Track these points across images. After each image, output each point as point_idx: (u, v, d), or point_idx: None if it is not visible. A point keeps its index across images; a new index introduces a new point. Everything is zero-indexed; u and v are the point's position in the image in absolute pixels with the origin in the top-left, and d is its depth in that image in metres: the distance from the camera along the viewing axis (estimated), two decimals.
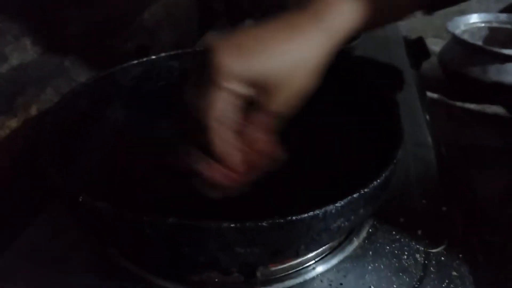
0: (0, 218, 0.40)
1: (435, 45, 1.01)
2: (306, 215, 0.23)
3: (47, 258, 0.34)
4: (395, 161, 0.28)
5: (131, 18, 0.68)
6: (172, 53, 0.45)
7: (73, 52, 0.54)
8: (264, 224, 0.23)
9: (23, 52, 0.49)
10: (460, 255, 0.33)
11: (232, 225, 0.22)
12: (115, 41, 0.62)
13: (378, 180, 0.26)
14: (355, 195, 0.25)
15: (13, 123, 0.43)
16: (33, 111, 0.46)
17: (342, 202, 0.24)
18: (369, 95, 0.37)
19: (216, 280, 0.31)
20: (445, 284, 0.31)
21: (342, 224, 0.25)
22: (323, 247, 0.32)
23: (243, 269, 0.30)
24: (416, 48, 0.77)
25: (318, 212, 0.24)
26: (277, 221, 0.23)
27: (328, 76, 0.28)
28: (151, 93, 0.44)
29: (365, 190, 0.25)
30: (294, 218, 0.23)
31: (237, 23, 0.82)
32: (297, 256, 0.27)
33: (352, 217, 0.26)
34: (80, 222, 0.28)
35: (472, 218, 0.43)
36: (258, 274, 0.30)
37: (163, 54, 0.44)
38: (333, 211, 0.24)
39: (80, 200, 0.24)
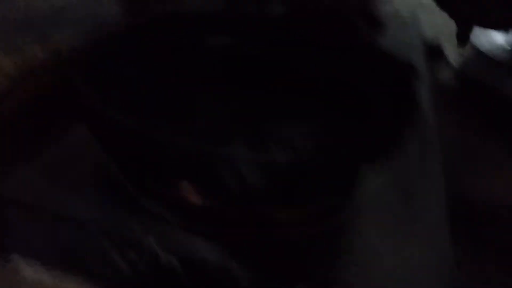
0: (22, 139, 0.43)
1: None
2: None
3: (63, 179, 0.36)
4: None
5: None
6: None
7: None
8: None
9: None
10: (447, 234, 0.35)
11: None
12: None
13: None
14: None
15: (45, 54, 0.45)
16: (65, 47, 0.48)
17: None
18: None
19: None
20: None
21: None
22: None
23: None
24: (434, 53, 0.78)
25: None
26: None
27: None
28: None
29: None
30: None
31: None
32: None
33: None
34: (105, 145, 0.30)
35: (464, 211, 0.45)
36: None
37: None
38: None
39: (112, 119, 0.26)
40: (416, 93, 0.34)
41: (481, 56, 0.86)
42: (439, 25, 1.04)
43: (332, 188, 0.28)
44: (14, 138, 0.43)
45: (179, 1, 0.75)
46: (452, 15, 0.74)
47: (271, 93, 0.45)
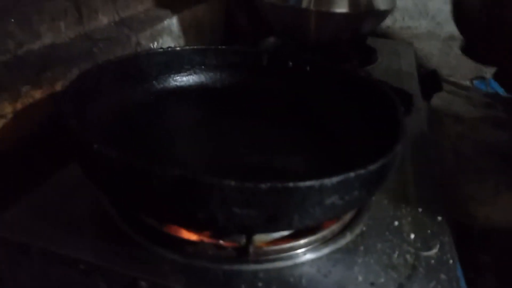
0: (14, 179, 0.43)
1: (448, 84, 1.04)
2: (302, 184, 0.25)
3: (54, 217, 0.35)
4: (393, 152, 0.29)
5: (158, 19, 0.72)
6: (195, 47, 0.48)
7: (102, 42, 0.57)
8: (262, 186, 0.24)
9: (56, 33, 0.52)
10: (451, 261, 0.34)
11: (232, 183, 0.24)
12: (141, 38, 0.66)
13: (375, 164, 0.27)
14: (351, 174, 0.26)
15: (38, 94, 0.46)
16: (58, 87, 0.48)
17: (338, 178, 0.26)
18: (377, 97, 0.39)
19: (210, 253, 0.32)
20: (433, 284, 0.32)
21: (336, 202, 0.27)
22: (315, 236, 0.34)
23: (238, 240, 0.31)
24: (429, 80, 0.79)
25: (314, 183, 0.25)
26: (275, 185, 0.24)
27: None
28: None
29: (361, 171, 0.26)
30: (291, 185, 0.25)
31: (259, 39, 0.86)
32: (291, 227, 0.28)
33: (346, 196, 0.27)
34: (91, 175, 0.30)
35: (464, 234, 0.43)
36: (251, 250, 0.31)
37: (187, 47, 0.47)
38: (329, 185, 0.25)
39: (95, 148, 0.26)
40: (404, 122, 0.34)
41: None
42: (433, 53, 1.06)
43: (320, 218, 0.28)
44: (7, 177, 0.43)
45: None
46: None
47: (264, 124, 0.45)
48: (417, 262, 0.33)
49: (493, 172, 0.67)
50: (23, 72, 0.45)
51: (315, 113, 0.46)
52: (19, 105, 0.43)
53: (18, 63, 0.45)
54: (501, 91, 0.99)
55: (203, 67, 0.48)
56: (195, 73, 0.49)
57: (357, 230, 0.36)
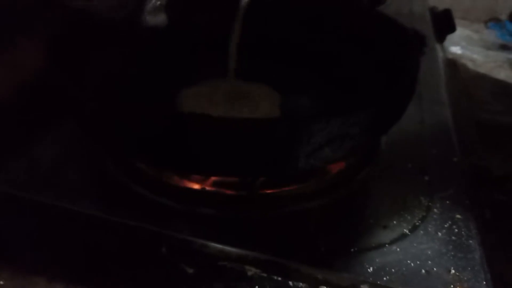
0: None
1: (462, 27, 0.98)
2: (307, 120, 0.23)
3: (51, 171, 0.34)
4: (401, 87, 0.27)
5: None
6: None
7: None
8: (265, 124, 0.22)
9: None
10: (467, 201, 0.33)
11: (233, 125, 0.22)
12: None
13: (385, 100, 0.25)
14: (358, 111, 0.24)
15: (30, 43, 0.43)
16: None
17: (346, 115, 0.24)
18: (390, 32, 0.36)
19: (214, 201, 0.31)
20: (447, 225, 0.30)
21: (344, 139, 0.25)
22: (323, 180, 0.32)
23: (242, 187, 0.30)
24: (443, 21, 0.74)
25: (321, 119, 0.23)
26: (278, 122, 0.23)
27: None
28: None
29: (371, 107, 0.24)
30: (295, 121, 0.23)
31: None
32: (296, 167, 0.26)
33: (354, 134, 0.25)
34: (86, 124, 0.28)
35: (481, 176, 0.42)
36: (256, 196, 0.30)
37: None
38: (337, 121, 0.23)
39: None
40: (418, 61, 0.31)
41: None
42: None
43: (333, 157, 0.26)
44: (4, 133, 0.41)
45: None
46: None
47: (272, 65, 0.42)
48: (432, 203, 0.32)
49: (508, 114, 0.64)
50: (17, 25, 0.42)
51: (328, 51, 0.42)
52: (9, 55, 0.41)
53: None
54: None
55: None
56: None
57: (368, 173, 0.34)
